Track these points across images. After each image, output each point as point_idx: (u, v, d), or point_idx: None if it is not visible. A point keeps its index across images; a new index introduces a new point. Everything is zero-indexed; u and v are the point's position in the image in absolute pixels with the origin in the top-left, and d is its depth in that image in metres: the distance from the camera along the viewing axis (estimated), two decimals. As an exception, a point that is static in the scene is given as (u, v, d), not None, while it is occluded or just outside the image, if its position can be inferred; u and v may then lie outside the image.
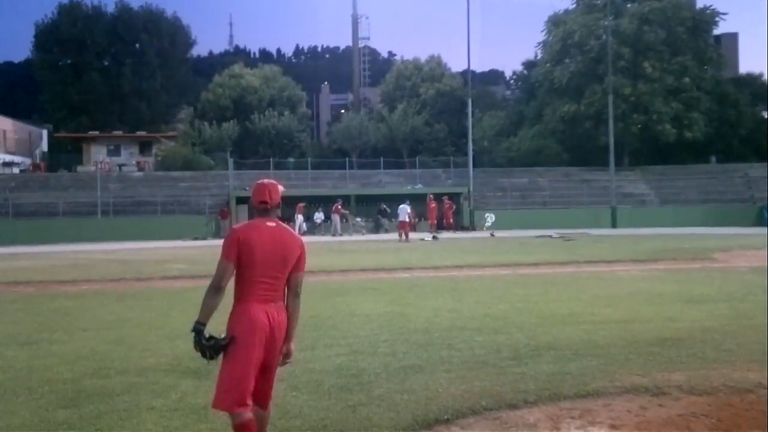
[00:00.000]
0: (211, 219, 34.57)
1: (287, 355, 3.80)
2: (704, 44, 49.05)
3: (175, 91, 55.41)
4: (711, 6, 49.05)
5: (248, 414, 3.52)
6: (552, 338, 7.31)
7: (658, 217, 36.41)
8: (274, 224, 3.71)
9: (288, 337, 3.74)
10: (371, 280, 13.42)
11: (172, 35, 54.42)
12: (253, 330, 3.54)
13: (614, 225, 35.78)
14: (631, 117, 44.61)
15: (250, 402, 3.54)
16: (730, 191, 40.03)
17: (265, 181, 3.84)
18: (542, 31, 51.37)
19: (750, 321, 8.19)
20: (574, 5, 49.89)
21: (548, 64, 49.15)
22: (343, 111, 71.25)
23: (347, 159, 44.41)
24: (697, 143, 45.42)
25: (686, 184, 40.93)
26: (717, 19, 48.92)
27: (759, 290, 10.67)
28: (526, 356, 6.51)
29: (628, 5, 48.09)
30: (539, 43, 52.32)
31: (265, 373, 3.67)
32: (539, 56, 52.97)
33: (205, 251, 21.80)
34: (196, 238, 30.61)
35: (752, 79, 55.77)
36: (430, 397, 5.22)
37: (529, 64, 57.31)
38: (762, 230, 29.54)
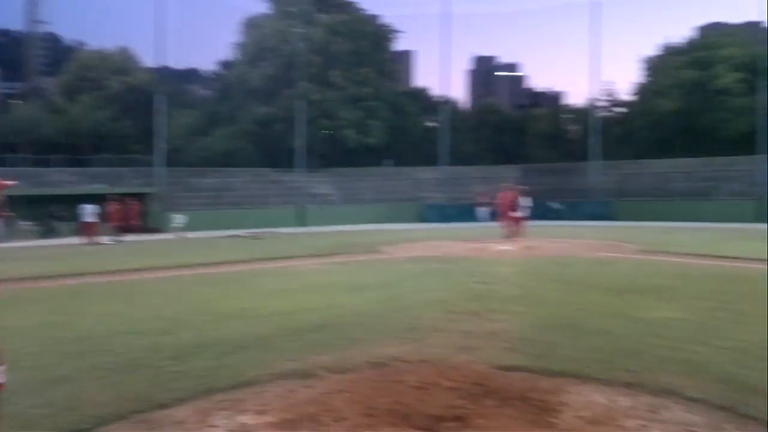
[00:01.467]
0: None
1: None
2: (383, 58, 54.06)
3: None
4: (390, 24, 54.30)
5: None
6: (218, 334, 7.35)
7: (341, 215, 39.11)
8: None
9: None
10: (26, 290, 11.99)
11: None
12: None
13: (302, 224, 37.52)
14: (319, 122, 47.21)
15: None
16: (400, 191, 44.76)
17: None
18: (239, 32, 51.61)
19: (397, 303, 9.24)
20: (269, 10, 50.94)
21: (243, 66, 49.52)
22: (13, 101, 62.86)
23: (15, 155, 39.32)
24: (375, 148, 49.88)
25: (365, 185, 44.65)
26: (393, 35, 54.34)
27: (410, 277, 12.09)
28: (188, 354, 6.44)
29: (320, 16, 50.62)
30: (235, 44, 52.45)
31: None
32: (235, 57, 53.08)
33: None
34: None
35: (421, 92, 63.33)
36: (73, 407, 4.87)
37: (224, 64, 57.08)
38: (423, 225, 33.72)
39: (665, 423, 4.43)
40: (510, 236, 21.83)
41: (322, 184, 44.54)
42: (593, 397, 4.99)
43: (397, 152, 51.60)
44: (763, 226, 30.87)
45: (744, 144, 41.93)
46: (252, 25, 50.11)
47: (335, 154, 49.17)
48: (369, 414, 4.73)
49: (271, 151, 47.68)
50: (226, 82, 53.80)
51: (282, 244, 22.63)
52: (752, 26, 58.33)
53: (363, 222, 36.20)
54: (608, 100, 63.48)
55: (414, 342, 6.80)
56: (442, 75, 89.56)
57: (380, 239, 22.65)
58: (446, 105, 49.71)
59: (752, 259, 14.75)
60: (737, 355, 6.02)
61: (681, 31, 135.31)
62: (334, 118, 47.52)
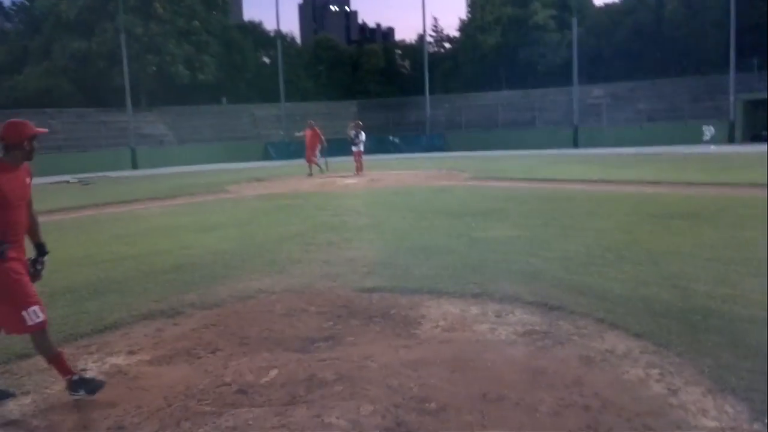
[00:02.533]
0: None
1: None
2: (211, -11, 51.33)
3: None
4: None
5: None
6: (68, 282, 7.03)
7: (177, 156, 37.54)
8: None
9: None
10: None
11: None
12: None
13: (135, 166, 35.59)
14: (145, 57, 44.25)
15: None
16: (240, 129, 43.69)
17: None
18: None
19: (252, 240, 9.32)
20: None
21: (53, -4, 44.85)
22: None
23: None
24: (209, 85, 47.90)
25: (201, 124, 43.01)
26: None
27: (262, 214, 12.14)
28: (39, 304, 6.16)
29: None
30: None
31: None
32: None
33: None
34: None
35: (254, 27, 61.24)
36: None
37: (30, -6, 51.34)
38: (267, 163, 33.38)
39: (510, 325, 5.04)
40: (311, 173, 22.50)
41: (154, 124, 42.25)
42: (448, 309, 5.52)
43: (232, 89, 49.95)
44: (577, 150, 34.12)
45: (559, 76, 45.50)
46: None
47: (166, 92, 46.58)
48: (243, 343, 4.90)
49: (93, 89, 44.10)
50: (34, 14, 48.45)
51: (117, 188, 21.43)
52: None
53: (202, 162, 35.08)
54: (437, 36, 65.60)
55: (276, 274, 6.98)
56: (275, 9, 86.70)
57: (224, 179, 22.19)
58: (281, 40, 48.61)
59: (571, 180, 16.43)
60: (565, 263, 6.87)
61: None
62: (162, 53, 44.75)
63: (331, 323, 5.27)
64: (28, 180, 4.13)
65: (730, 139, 34.00)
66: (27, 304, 3.90)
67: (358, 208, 12.72)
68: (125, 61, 37.39)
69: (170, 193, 17.66)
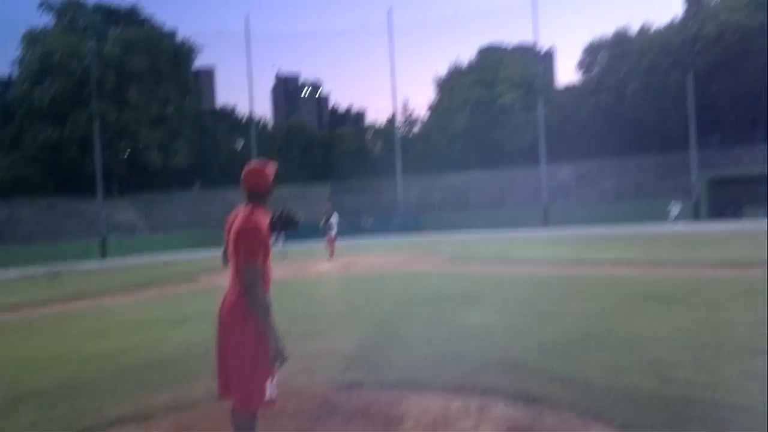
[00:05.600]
0: None
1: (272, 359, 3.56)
2: (184, 76, 52.43)
3: None
4: (189, 40, 52.77)
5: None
6: (36, 384, 6.78)
7: (148, 243, 37.18)
8: (244, 207, 3.74)
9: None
10: None
11: None
12: None
13: (104, 255, 35.07)
14: (118, 144, 44.55)
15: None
16: (212, 215, 43.65)
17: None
18: (18, 48, 47.19)
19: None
20: (53, 23, 47.27)
21: (26, 84, 45.32)
22: None
23: None
24: (181, 170, 48.14)
25: (173, 210, 42.89)
26: (193, 53, 52.82)
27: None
28: (5, 409, 5.91)
29: (111, 30, 47.91)
30: (15, 61, 47.91)
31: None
32: (15, 75, 48.52)
33: None
34: None
35: (227, 113, 62.30)
36: None
37: (3, 84, 51.91)
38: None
39: (493, 420, 4.94)
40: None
41: (126, 211, 42.02)
42: (429, 404, 5.41)
43: (205, 174, 50.25)
44: (547, 230, 34.57)
45: (527, 156, 46.69)
46: (34, 39, 45.93)
47: (138, 178, 46.72)
48: (219, 449, 4.72)
49: (64, 177, 43.99)
50: (5, 103, 48.82)
51: (86, 280, 20.99)
52: (524, 47, 65.17)
53: (174, 250, 34.73)
54: (408, 118, 67.32)
55: (252, 370, 6.79)
56: (248, 94, 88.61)
57: (195, 268, 21.95)
58: (253, 124, 49.38)
59: (544, 262, 16.57)
60: (544, 352, 6.83)
61: (467, 52, 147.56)
62: (134, 139, 45.12)
63: (310, 424, 5.12)
64: None
65: (696, 216, 34.85)
66: (271, 376, 3.61)
67: (333, 296, 12.62)
68: (98, 148, 37.50)
69: (142, 284, 17.36)
